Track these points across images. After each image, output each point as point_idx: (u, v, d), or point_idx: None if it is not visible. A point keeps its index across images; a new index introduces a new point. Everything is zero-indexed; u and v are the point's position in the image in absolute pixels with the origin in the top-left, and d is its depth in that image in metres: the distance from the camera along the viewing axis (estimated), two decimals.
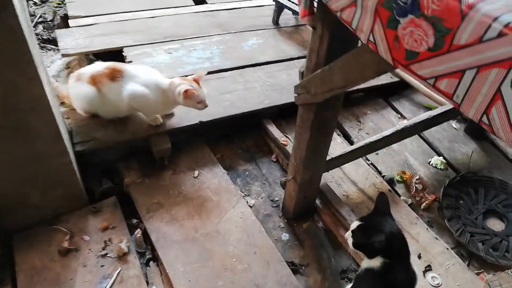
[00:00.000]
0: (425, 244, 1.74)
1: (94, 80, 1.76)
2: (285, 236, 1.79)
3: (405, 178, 2.04)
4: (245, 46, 2.58)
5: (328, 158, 1.76)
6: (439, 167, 2.13)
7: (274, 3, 2.76)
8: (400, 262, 1.23)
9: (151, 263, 1.64)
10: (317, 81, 1.25)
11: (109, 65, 1.79)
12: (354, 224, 1.28)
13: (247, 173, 2.05)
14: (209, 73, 2.29)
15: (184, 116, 2.00)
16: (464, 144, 2.29)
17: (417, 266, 1.66)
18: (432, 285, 1.60)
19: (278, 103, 2.16)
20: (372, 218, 1.28)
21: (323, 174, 1.73)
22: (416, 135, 2.30)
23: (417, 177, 2.04)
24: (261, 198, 1.94)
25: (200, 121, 1.99)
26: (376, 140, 1.88)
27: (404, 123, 1.99)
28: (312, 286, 1.62)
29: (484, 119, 0.71)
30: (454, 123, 2.41)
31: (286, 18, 2.85)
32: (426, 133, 2.32)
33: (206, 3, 3.02)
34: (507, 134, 0.68)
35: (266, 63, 2.46)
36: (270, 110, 2.18)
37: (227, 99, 2.15)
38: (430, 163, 2.15)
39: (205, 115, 2.02)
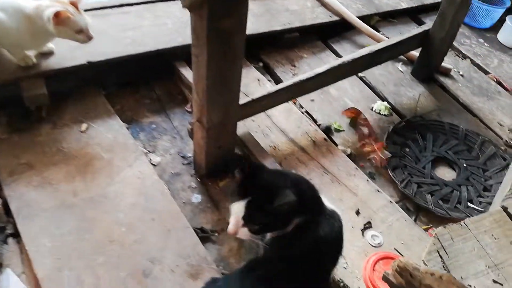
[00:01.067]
0: (365, 198, 1.45)
1: None
2: (196, 198, 1.43)
3: (353, 116, 1.73)
4: None
5: (247, 100, 1.41)
6: (383, 113, 1.84)
7: None
8: (317, 211, 0.91)
9: (10, 239, 1.23)
10: None
11: None
12: (237, 206, 0.92)
13: (153, 126, 1.65)
14: (107, 7, 1.86)
15: (68, 55, 1.56)
16: (411, 88, 2.02)
17: (354, 223, 1.37)
18: (372, 245, 1.31)
19: None
20: (257, 186, 0.93)
21: (247, 123, 1.37)
22: (358, 80, 2.00)
23: (364, 117, 1.73)
24: (170, 154, 1.56)
25: (88, 61, 1.56)
26: (307, 79, 1.55)
27: (342, 59, 1.67)
28: (225, 256, 1.28)
29: None
30: (400, 66, 2.13)
31: None
32: (369, 77, 2.02)
33: None
34: None
35: None
36: (185, 50, 1.77)
37: (129, 37, 1.72)
38: (373, 109, 1.86)
39: (97, 55, 1.59)
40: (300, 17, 2.12)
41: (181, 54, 1.79)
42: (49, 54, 1.55)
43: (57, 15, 1.30)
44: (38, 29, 1.37)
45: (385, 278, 0.79)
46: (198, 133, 1.32)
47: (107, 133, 1.53)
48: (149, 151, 1.55)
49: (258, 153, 1.47)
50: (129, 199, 1.33)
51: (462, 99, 2.00)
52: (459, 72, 2.17)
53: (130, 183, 1.38)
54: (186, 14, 1.91)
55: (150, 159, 1.51)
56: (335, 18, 2.19)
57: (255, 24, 1.95)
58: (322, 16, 2.19)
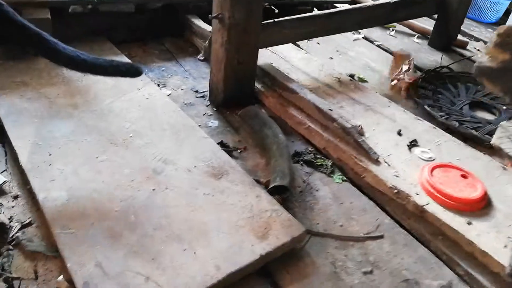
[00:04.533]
0: (404, 123, 1.27)
1: None
2: (213, 123, 1.25)
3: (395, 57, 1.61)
4: None
5: (269, 21, 1.31)
6: (406, 70, 1.73)
7: None
8: None
9: None
10: None
11: None
12: None
13: (163, 68, 1.51)
14: None
15: None
16: (431, 54, 1.93)
17: (397, 141, 1.18)
18: (423, 159, 1.11)
19: None
20: None
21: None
22: (375, 47, 1.92)
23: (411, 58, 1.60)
24: (181, 89, 1.40)
25: None
26: (330, 13, 1.47)
27: (363, 4, 1.60)
28: (251, 170, 1.07)
29: None
30: (415, 39, 2.07)
31: None
32: (386, 45, 1.94)
33: None
34: None
35: None
36: (197, 3, 1.71)
37: None
38: None
39: None
40: None
41: (192, 9, 1.72)
42: None
43: None
44: None
45: (479, 71, 0.61)
46: (217, 40, 1.19)
47: None
48: (158, 85, 1.39)
49: (281, 78, 1.32)
50: (137, 113, 1.15)
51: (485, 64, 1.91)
52: (475, 47, 2.12)
53: (138, 101, 1.21)
54: None
55: (160, 90, 1.35)
56: None
57: None
58: None
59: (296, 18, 1.38)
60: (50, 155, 0.94)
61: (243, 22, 1.14)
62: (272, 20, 1.31)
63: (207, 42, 1.28)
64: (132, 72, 1.03)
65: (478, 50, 2.10)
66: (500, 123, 1.02)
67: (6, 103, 1.11)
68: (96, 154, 0.97)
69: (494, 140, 0.91)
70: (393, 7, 1.69)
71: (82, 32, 1.53)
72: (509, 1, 2.53)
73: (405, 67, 1.55)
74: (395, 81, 1.52)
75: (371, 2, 1.63)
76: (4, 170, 0.94)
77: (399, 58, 1.64)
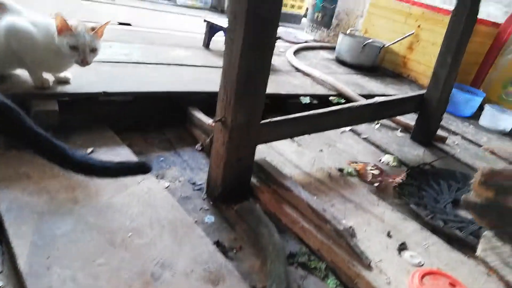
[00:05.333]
0: (393, 223, 1.33)
1: None
2: (209, 218, 1.28)
3: (358, 168, 1.69)
4: (171, 53, 2.33)
5: (267, 120, 1.41)
6: (392, 164, 1.83)
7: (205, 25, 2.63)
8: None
9: None
10: None
11: None
12: None
13: (162, 158, 1.57)
14: (126, 63, 1.97)
15: (84, 86, 1.57)
16: (413, 148, 2.06)
17: (387, 244, 1.22)
18: (413, 264, 1.15)
19: (208, 90, 1.83)
20: None
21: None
22: (362, 140, 2.05)
23: (372, 165, 1.70)
24: (179, 181, 1.45)
25: (104, 92, 1.57)
26: (322, 113, 1.59)
27: (354, 103, 1.74)
28: (247, 272, 1.08)
29: None
30: (398, 133, 2.22)
31: (218, 40, 2.71)
32: (372, 138, 2.07)
33: (131, 25, 2.82)
34: None
35: (195, 65, 2.20)
36: (198, 96, 1.83)
37: (145, 81, 1.79)
38: (381, 161, 1.85)
39: (114, 85, 1.62)
40: (302, 88, 2.28)
41: (194, 100, 1.83)
42: (64, 82, 1.56)
43: (60, 23, 1.33)
44: (61, 51, 1.39)
45: (467, 205, 0.68)
46: (218, 139, 1.26)
47: (114, 157, 1.43)
48: (157, 177, 1.43)
49: (276, 174, 1.39)
50: (136, 209, 1.18)
51: (463, 160, 2.04)
52: (454, 142, 2.27)
53: (138, 195, 1.24)
54: (201, 74, 2.05)
55: (159, 182, 1.39)
56: (333, 92, 2.36)
57: None
58: (321, 90, 2.36)
59: (293, 117, 1.48)
60: (48, 258, 0.95)
61: (245, 124, 1.23)
62: (270, 120, 1.41)
63: (208, 139, 1.36)
64: (141, 171, 1.07)
65: (457, 144, 2.25)
66: (483, 234, 1.08)
67: (8, 197, 1.13)
68: (94, 257, 0.97)
69: (479, 253, 0.96)
70: (379, 107, 1.84)
71: (83, 120, 1.60)
72: (482, 98, 2.77)
73: (375, 172, 1.64)
74: (377, 183, 1.60)
75: (359, 101, 1.76)
76: (1, 272, 0.94)
77: (357, 166, 1.73)
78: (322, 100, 2.29)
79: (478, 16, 1.90)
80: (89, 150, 1.44)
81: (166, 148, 1.65)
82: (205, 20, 2.59)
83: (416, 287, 1.03)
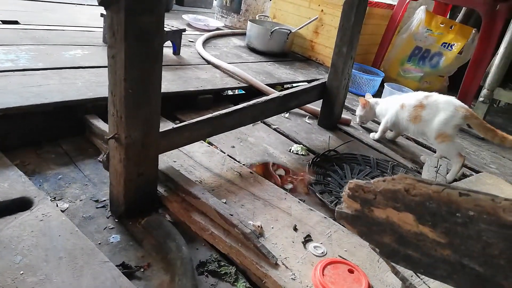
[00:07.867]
0: (299, 216, 1.40)
1: None
2: (114, 238, 1.23)
3: (255, 170, 1.71)
4: (65, 54, 2.15)
5: (168, 127, 1.38)
6: (301, 153, 1.91)
7: (102, 20, 2.46)
8: None
9: None
10: None
11: None
12: None
13: (60, 176, 1.47)
14: (11, 71, 1.78)
15: None
16: (321, 134, 2.17)
17: (294, 238, 1.28)
18: (316, 255, 1.22)
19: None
20: None
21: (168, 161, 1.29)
22: (273, 130, 2.10)
23: (272, 163, 1.75)
24: (80, 200, 1.37)
25: None
26: (225, 113, 1.58)
27: (257, 99, 1.77)
28: None
29: None
30: (307, 119, 2.31)
31: None
32: (282, 128, 2.13)
33: (18, 23, 2.54)
34: None
35: (94, 67, 2.06)
36: (96, 103, 1.72)
37: (33, 92, 1.63)
38: (291, 151, 1.92)
39: None
40: (211, 83, 2.26)
41: (91, 108, 1.72)
42: None
43: None
44: None
45: (339, 216, 0.73)
46: (115, 156, 1.21)
47: (2, 183, 1.30)
48: (54, 199, 1.34)
49: (183, 182, 1.37)
50: (29, 241, 1.09)
51: (366, 141, 2.19)
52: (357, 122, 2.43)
53: (31, 225, 1.15)
54: (99, 77, 1.93)
55: (57, 205, 1.30)
56: (244, 84, 2.38)
57: (168, 86, 2.00)
58: (231, 83, 2.36)
59: (194, 122, 1.47)
60: None
61: (140, 139, 1.19)
62: (171, 128, 1.38)
63: (104, 156, 1.29)
64: (19, 209, 0.99)
65: (361, 125, 2.41)
66: None
67: None
68: None
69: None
70: (283, 99, 1.89)
71: None
72: (381, 77, 2.98)
73: (281, 172, 1.70)
74: (290, 185, 1.65)
75: (264, 97, 1.79)
76: None
77: (259, 170, 1.72)
78: (233, 97, 2.30)
79: None
80: None
81: (64, 163, 1.54)
82: (102, 15, 2.42)
83: (319, 280, 1.10)
